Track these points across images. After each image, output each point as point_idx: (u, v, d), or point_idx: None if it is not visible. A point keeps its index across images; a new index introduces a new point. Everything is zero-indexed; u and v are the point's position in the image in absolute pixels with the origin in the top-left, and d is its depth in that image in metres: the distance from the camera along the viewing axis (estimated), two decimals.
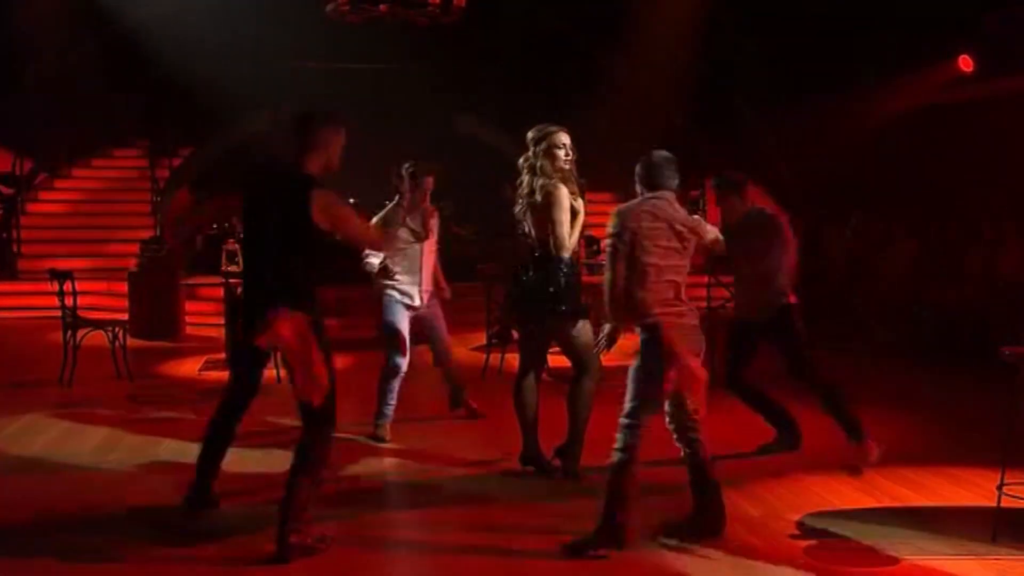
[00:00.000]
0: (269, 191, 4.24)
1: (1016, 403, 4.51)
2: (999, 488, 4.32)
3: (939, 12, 10.73)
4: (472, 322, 9.52)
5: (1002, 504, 4.30)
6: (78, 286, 7.96)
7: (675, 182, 4.33)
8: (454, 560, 4.15)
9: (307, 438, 4.14)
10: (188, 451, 5.05)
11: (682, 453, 4.33)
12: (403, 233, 6.14)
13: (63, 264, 8.73)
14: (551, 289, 5.01)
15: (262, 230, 4.21)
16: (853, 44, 11.61)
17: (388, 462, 5.66)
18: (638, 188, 4.36)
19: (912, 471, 5.29)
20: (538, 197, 5.07)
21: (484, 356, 8.36)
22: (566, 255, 5.07)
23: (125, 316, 9.93)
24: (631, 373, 4.22)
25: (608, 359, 5.06)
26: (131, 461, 5.61)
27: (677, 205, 4.31)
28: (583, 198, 5.23)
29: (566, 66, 15.17)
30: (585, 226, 5.32)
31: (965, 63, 10.95)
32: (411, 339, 6.23)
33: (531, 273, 5.11)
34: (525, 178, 5.16)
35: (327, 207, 4.13)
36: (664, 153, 4.36)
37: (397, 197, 6.30)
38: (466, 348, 9.68)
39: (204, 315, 11.19)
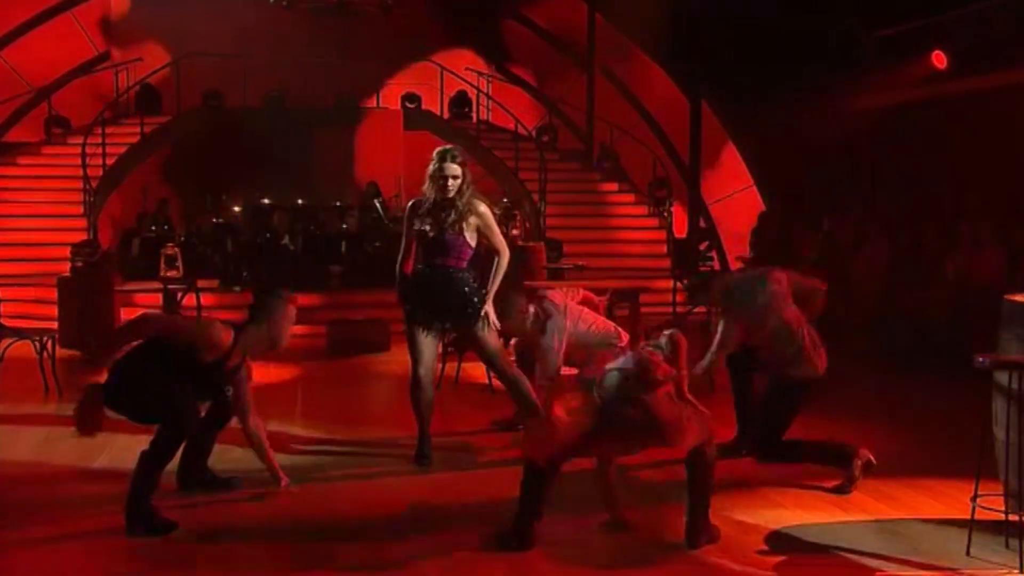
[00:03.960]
0: None
1: (991, 412, 4.60)
2: (973, 500, 4.38)
3: (910, 8, 10.91)
4: None
5: (976, 516, 4.36)
6: (2, 293, 7.84)
7: None
8: None
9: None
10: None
11: None
12: None
13: None
14: None
15: None
16: (822, 39, 11.75)
17: None
18: None
19: (884, 483, 5.35)
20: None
21: (440, 365, 8.30)
22: None
23: (54, 325, 9.78)
24: None
25: None
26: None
27: None
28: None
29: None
30: None
31: (938, 59, 11.15)
32: None
33: None
34: None
35: None
36: None
37: None
38: None
39: None
